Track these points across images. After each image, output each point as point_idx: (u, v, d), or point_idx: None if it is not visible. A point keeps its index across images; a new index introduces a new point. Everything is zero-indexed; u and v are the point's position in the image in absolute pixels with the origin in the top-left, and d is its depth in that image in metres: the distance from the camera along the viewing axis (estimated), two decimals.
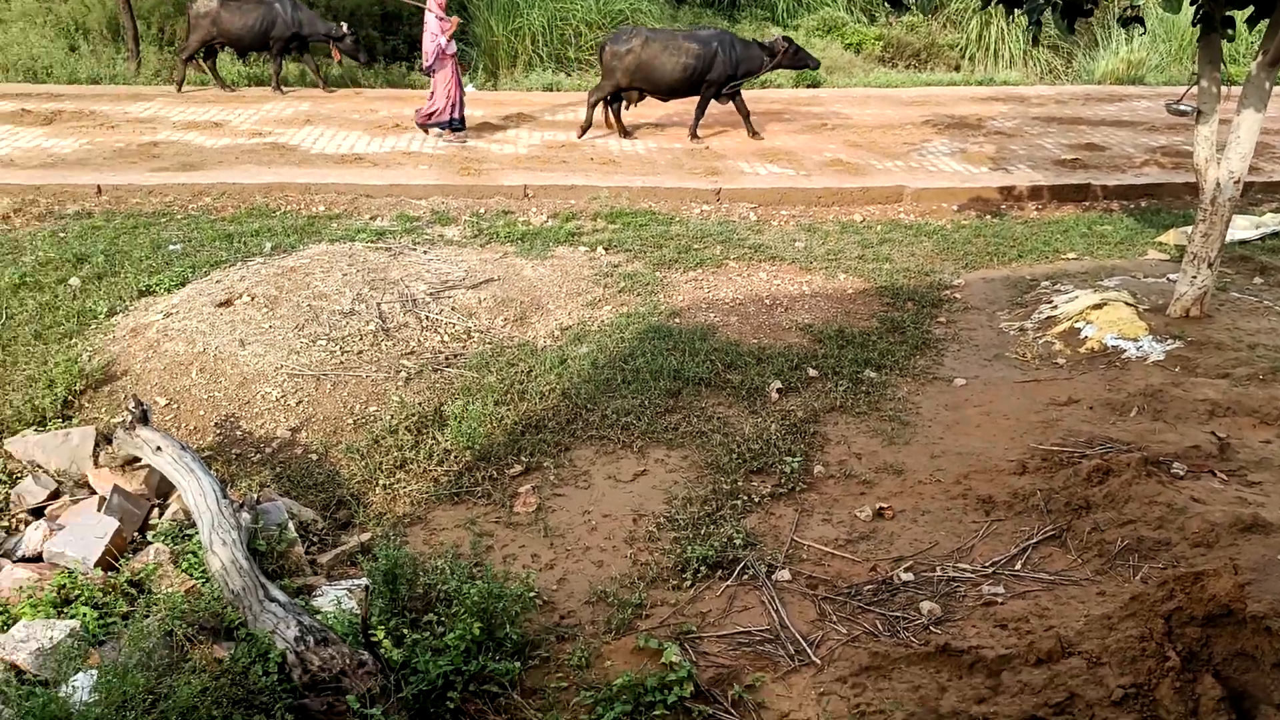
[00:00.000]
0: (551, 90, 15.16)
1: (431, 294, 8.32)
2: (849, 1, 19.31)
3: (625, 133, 12.55)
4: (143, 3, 18.28)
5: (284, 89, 14.86)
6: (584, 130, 12.41)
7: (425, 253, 9.09)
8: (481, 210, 10.18)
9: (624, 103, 12.46)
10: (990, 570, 5.34)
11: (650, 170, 11.14)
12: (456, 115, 12.11)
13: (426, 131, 12.38)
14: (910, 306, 8.57)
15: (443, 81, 11.89)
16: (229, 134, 12.47)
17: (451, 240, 9.48)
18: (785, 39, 12.45)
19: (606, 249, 9.35)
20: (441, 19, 11.69)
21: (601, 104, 12.41)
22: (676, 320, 8.12)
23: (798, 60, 12.56)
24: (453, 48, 11.89)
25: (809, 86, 15.39)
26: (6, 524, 5.86)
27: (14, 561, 5.29)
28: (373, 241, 9.26)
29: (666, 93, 12.14)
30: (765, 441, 6.64)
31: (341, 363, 7.47)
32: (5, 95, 14.47)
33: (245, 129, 12.73)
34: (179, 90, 14.87)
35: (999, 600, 5.06)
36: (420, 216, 10.01)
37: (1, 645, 4.43)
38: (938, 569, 5.40)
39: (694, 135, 12.44)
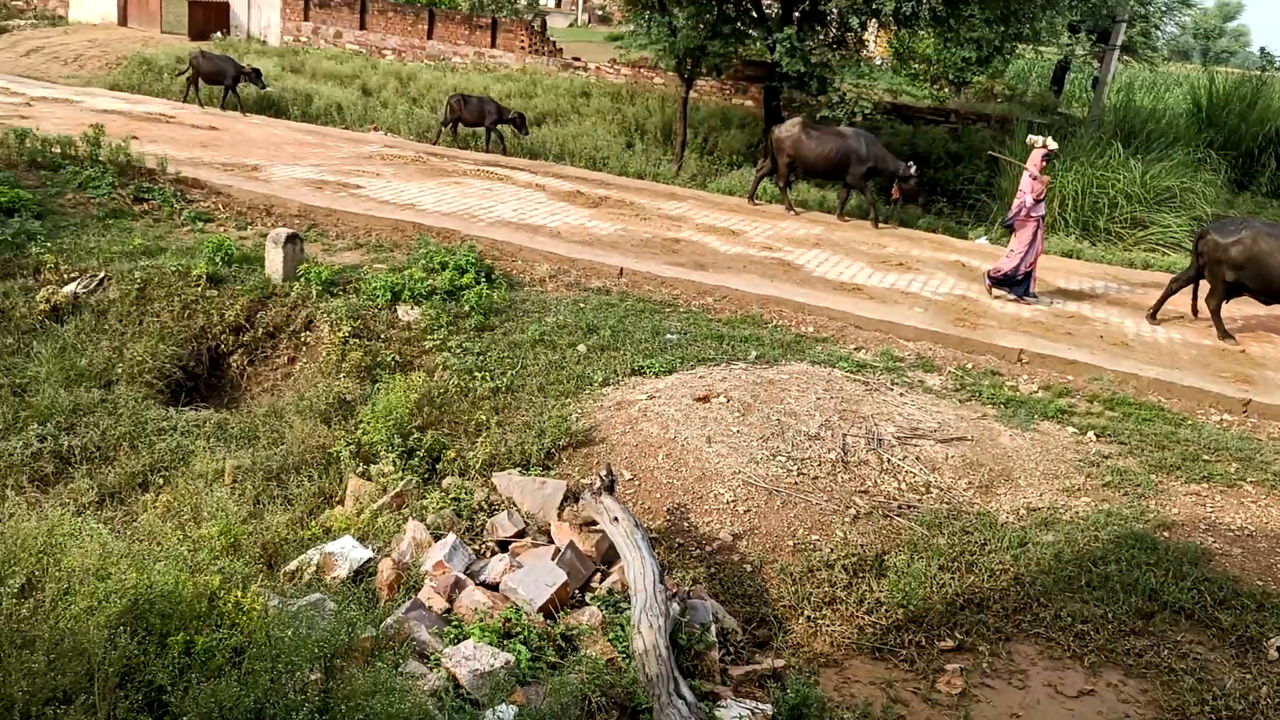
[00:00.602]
0: (1070, 257, 14.41)
1: (898, 438, 8.13)
2: None
3: (1226, 335, 11.07)
4: (696, 114, 20.28)
5: (796, 210, 15.59)
6: (1154, 314, 11.47)
7: (901, 395, 8.93)
8: (969, 365, 9.82)
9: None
10: None
11: (1168, 362, 10.09)
12: (1021, 278, 11.58)
13: (991, 292, 11.85)
14: None
15: (1021, 241, 11.50)
16: (742, 243, 13.27)
17: (930, 389, 9.23)
18: None
19: (1098, 436, 8.56)
20: (1035, 178, 11.27)
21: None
22: (1165, 534, 7.18)
23: None
24: (1040, 210, 11.38)
25: None
26: (477, 548, 6.51)
27: (476, 584, 5.83)
28: (852, 372, 9.27)
29: (1275, 295, 10.62)
30: (1250, 704, 5.62)
31: (796, 483, 7.49)
32: (568, 178, 16.64)
33: (758, 241, 13.48)
34: (792, 211, 15.59)
35: None
36: (904, 357, 9.88)
37: (449, 655, 4.86)
38: None
39: None
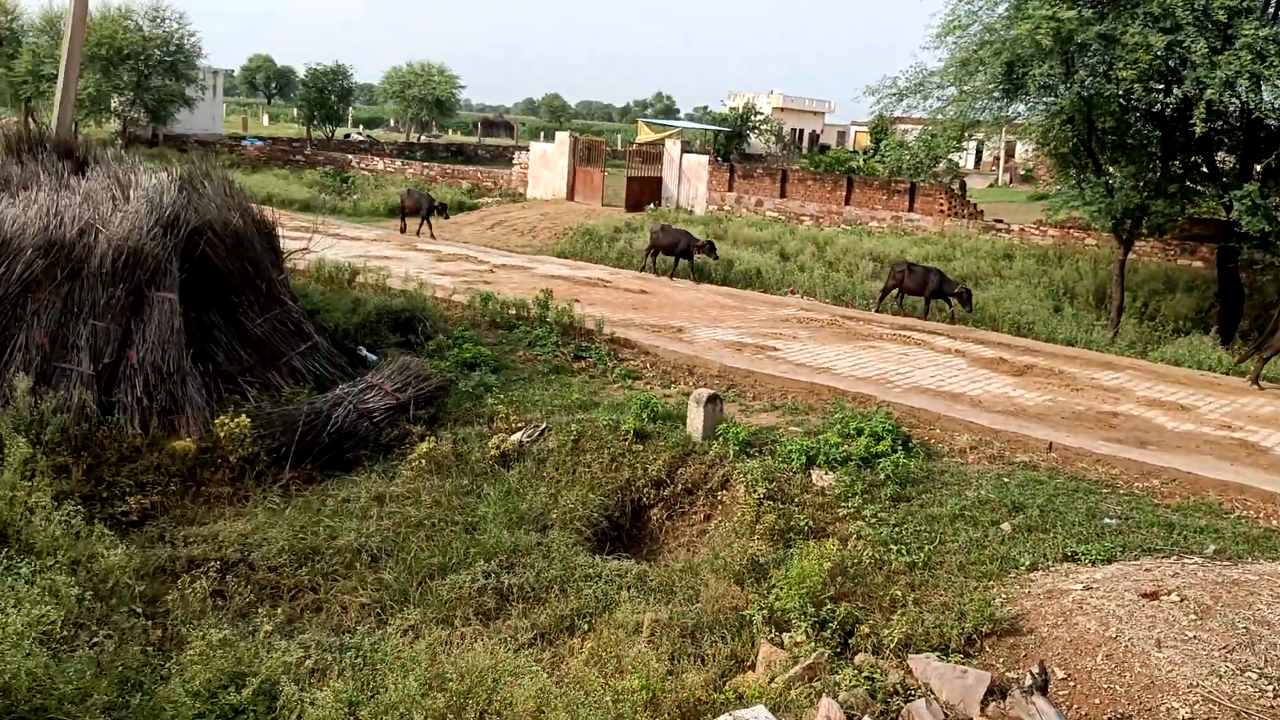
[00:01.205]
0: None
1: None
2: None
3: None
4: (1134, 276, 18.89)
5: (1263, 384, 13.78)
6: None
7: None
8: None
9: None
10: None
11: None
12: None
13: None
14: None
15: None
16: (1194, 420, 11.92)
17: None
18: None
19: None
20: None
21: None
22: None
23: None
24: None
25: None
26: None
27: None
28: None
29: None
30: None
31: (1272, 708, 6.34)
32: (989, 343, 16.03)
33: (1213, 418, 12.05)
34: (1256, 385, 13.91)
35: None
36: None
37: None
38: None
39: None
